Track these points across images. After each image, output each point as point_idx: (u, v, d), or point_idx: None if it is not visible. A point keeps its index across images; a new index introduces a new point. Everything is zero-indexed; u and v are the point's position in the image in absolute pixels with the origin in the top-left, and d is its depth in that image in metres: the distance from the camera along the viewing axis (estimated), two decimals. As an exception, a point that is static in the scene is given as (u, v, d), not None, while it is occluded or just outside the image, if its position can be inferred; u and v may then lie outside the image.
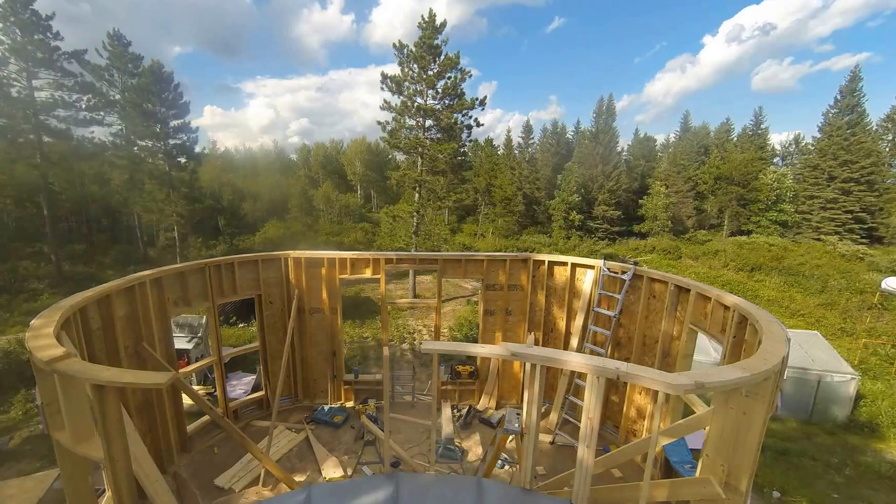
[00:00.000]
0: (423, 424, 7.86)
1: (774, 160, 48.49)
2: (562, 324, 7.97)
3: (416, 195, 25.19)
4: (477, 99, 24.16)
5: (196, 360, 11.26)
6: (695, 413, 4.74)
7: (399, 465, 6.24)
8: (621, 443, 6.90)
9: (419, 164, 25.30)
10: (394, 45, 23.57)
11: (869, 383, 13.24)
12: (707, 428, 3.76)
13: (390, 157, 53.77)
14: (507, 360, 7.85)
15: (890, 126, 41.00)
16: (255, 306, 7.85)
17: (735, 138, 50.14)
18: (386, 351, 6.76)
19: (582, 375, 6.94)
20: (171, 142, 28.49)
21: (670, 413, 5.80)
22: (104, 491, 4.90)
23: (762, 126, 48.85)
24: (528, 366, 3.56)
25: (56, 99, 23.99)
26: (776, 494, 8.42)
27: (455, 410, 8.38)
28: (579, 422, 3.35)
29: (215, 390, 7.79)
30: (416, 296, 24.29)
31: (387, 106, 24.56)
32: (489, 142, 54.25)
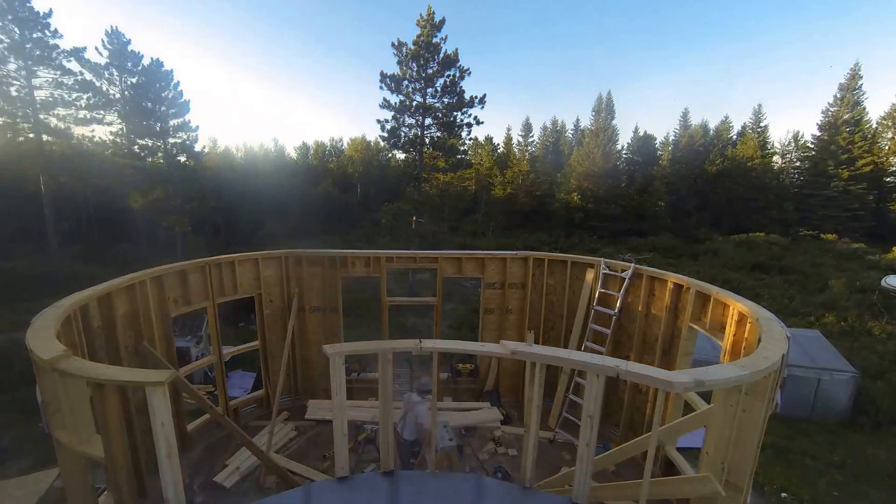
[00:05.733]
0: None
1: (774, 158, 48.45)
2: (561, 322, 7.97)
3: (416, 193, 25.18)
4: (476, 97, 24.13)
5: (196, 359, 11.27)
6: (695, 411, 4.75)
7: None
8: (621, 441, 6.91)
9: (418, 162, 25.28)
10: (392, 44, 23.54)
11: (869, 381, 13.24)
12: (707, 426, 3.77)
13: (391, 155, 53.74)
14: (506, 358, 7.88)
15: (890, 124, 40.94)
16: (255, 305, 7.85)
17: (735, 136, 50.10)
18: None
19: (582, 374, 6.94)
20: (171, 140, 28.46)
21: (671, 411, 5.80)
22: (104, 489, 4.91)
23: (762, 124, 48.80)
24: (528, 364, 3.56)
25: (56, 97, 23.96)
26: (783, 495, 8.43)
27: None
28: (579, 420, 3.36)
29: (215, 389, 7.79)
30: (415, 294, 24.30)
31: (386, 104, 24.52)
32: (489, 139, 54.18)
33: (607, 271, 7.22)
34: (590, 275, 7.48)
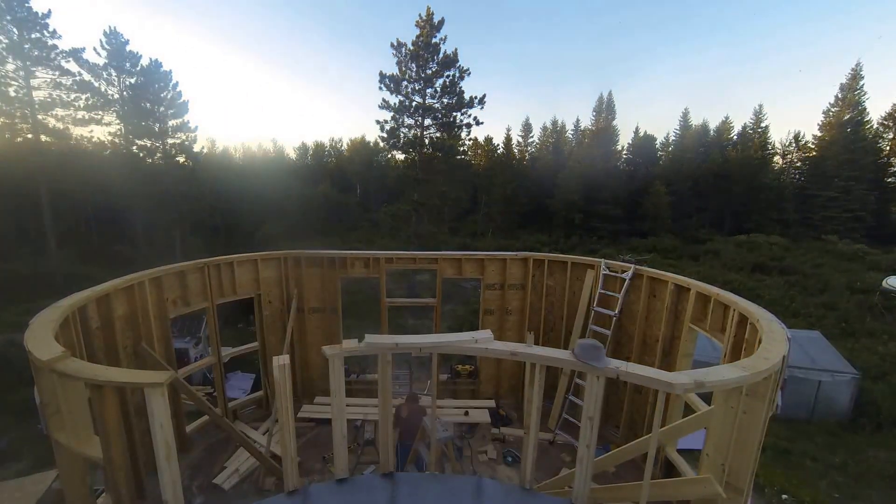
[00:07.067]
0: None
1: (775, 158, 48.46)
2: (561, 323, 7.95)
3: (415, 194, 25.14)
4: (476, 97, 24.11)
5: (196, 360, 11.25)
6: (695, 412, 4.73)
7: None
8: (622, 442, 6.89)
9: (418, 162, 25.26)
10: (392, 45, 23.54)
11: (869, 383, 13.23)
12: (707, 427, 3.75)
13: (390, 155, 53.70)
14: (506, 359, 7.86)
15: (891, 124, 40.97)
16: (254, 306, 7.83)
17: (735, 136, 50.08)
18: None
19: (582, 375, 6.93)
20: (170, 141, 28.41)
21: (671, 412, 5.79)
22: (103, 491, 4.89)
23: (762, 124, 48.79)
24: (528, 365, 3.54)
25: (54, 98, 23.94)
26: (784, 497, 8.41)
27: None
28: (579, 421, 3.34)
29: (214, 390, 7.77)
30: (415, 295, 24.28)
31: (385, 105, 24.49)
32: (489, 140, 54.12)
33: (607, 272, 7.21)
34: (590, 276, 7.47)
